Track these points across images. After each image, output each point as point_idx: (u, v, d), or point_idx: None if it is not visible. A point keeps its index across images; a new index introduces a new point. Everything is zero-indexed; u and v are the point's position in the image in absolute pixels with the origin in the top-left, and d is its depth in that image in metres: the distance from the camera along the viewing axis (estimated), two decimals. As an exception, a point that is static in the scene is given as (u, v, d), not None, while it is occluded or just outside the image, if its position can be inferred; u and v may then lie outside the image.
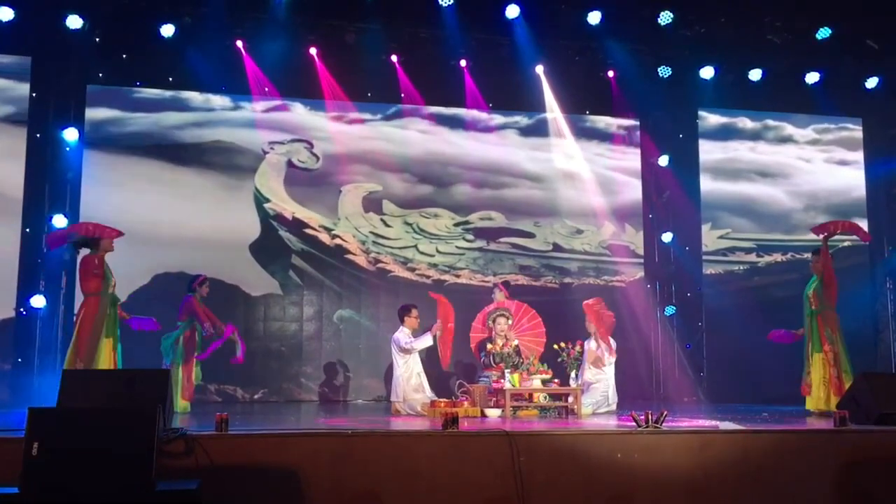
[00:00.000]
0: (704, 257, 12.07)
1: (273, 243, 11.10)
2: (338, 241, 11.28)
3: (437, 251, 11.61)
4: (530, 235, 11.91)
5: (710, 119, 12.46)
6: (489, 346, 8.94)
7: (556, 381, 8.37)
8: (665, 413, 6.14)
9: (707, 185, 12.24)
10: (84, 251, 7.92)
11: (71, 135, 10.14)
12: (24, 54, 10.22)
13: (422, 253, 11.54)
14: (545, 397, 8.15)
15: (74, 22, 9.84)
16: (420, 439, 5.78)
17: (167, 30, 10.13)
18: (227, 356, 10.62)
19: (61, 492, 4.34)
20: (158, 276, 10.31)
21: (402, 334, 8.73)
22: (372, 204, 11.49)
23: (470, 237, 11.74)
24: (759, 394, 10.27)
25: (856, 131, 12.81)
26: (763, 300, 11.29)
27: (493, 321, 9.17)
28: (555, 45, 11.23)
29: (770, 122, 12.64)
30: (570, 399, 8.14)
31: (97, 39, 10.23)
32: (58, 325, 9.86)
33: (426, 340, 8.73)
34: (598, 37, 10.97)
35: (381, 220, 11.50)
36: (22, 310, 9.80)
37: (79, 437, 4.45)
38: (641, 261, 12.16)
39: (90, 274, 7.67)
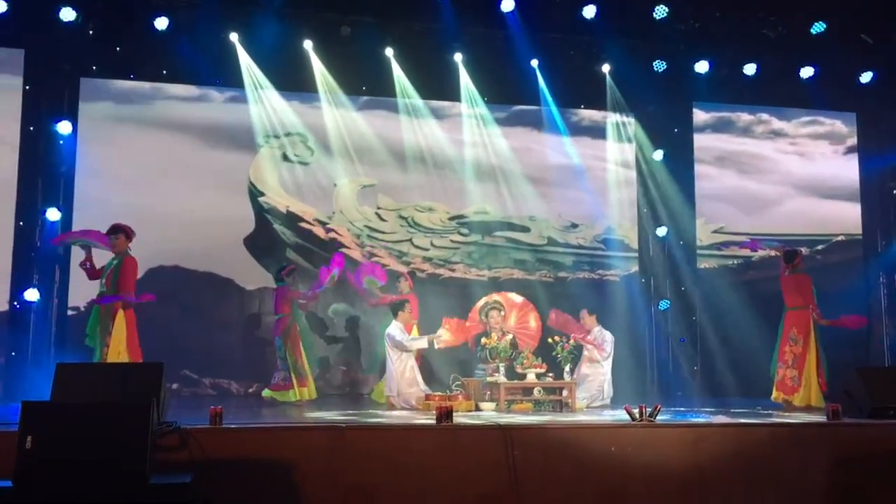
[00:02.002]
0: (698, 251, 12.08)
1: (267, 237, 11.07)
2: (332, 234, 11.25)
3: (432, 245, 11.59)
4: (525, 230, 11.90)
5: (705, 113, 12.46)
6: (484, 340, 8.95)
7: (550, 374, 8.39)
8: (659, 407, 6.18)
9: (701, 179, 12.24)
10: (106, 253, 7.88)
11: (64, 128, 10.09)
12: (16, 47, 10.15)
13: (416, 247, 11.52)
14: (540, 391, 8.17)
15: (68, 14, 9.77)
16: (414, 433, 5.80)
17: (161, 22, 10.07)
18: (222, 351, 10.71)
19: (55, 485, 4.34)
20: (152, 270, 10.25)
21: (396, 329, 8.72)
22: (367, 198, 11.47)
23: (465, 231, 11.73)
24: (753, 387, 10.29)
25: (850, 126, 12.81)
26: (757, 294, 11.28)
27: (486, 315, 9.19)
28: (549, 38, 11.20)
29: (764, 117, 12.63)
30: (565, 393, 8.16)
31: (90, 32, 10.15)
32: (51, 319, 9.84)
33: (422, 343, 8.71)
34: (592, 31, 10.93)
35: (376, 213, 11.47)
36: (16, 303, 9.76)
37: (73, 431, 4.45)
38: (636, 255, 12.16)
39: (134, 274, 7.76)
